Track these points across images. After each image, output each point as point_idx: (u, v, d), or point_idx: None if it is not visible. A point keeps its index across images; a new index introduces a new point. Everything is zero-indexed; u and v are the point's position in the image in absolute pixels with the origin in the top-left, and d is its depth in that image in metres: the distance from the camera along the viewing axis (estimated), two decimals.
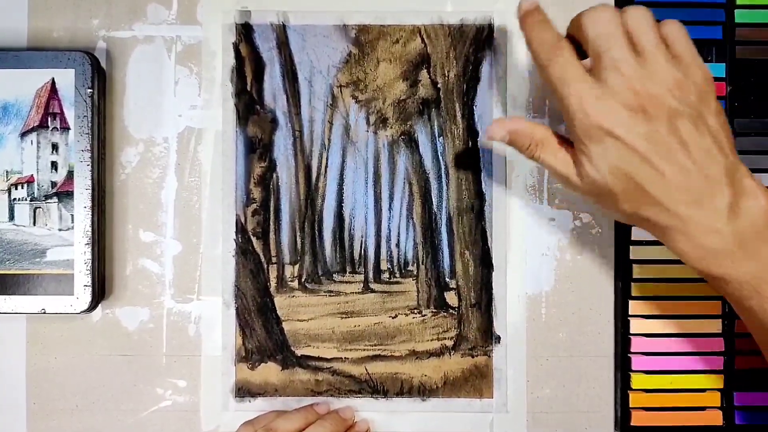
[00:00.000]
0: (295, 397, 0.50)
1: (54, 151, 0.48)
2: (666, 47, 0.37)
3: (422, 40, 0.50)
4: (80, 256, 0.47)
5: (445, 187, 0.50)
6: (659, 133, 0.35)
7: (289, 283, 0.50)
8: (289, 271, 0.50)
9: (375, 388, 0.50)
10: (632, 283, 0.49)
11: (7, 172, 0.48)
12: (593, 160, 0.37)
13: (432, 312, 0.50)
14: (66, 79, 0.47)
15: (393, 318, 0.50)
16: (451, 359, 0.50)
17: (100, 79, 0.49)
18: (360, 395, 0.50)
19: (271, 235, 0.50)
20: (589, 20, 0.38)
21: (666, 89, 0.36)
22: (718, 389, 0.49)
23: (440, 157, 0.50)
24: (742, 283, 0.36)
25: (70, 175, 0.48)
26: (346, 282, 0.51)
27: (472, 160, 0.50)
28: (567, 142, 0.40)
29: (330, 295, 0.50)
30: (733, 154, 0.37)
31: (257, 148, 0.50)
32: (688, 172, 0.35)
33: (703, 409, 0.49)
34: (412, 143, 0.51)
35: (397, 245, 0.51)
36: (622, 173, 0.36)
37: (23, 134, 0.48)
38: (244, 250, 0.50)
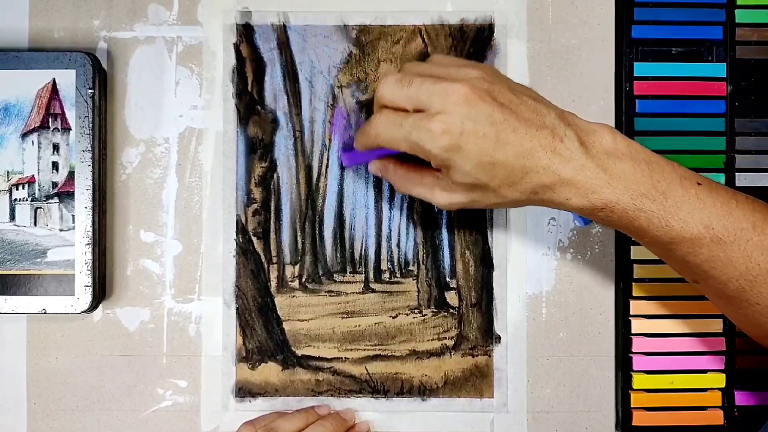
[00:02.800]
0: (296, 397, 0.50)
1: (55, 152, 0.48)
2: (444, 64, 0.41)
3: (423, 40, 0.50)
4: (81, 256, 0.47)
5: None
6: (493, 113, 0.38)
7: (290, 283, 0.50)
8: (290, 271, 0.51)
9: (375, 388, 0.50)
10: (633, 283, 0.49)
11: (8, 172, 0.48)
12: (461, 167, 0.39)
13: (432, 312, 0.50)
14: (67, 79, 0.47)
15: (393, 318, 0.50)
16: (452, 359, 0.50)
17: (101, 79, 0.49)
18: (360, 395, 0.50)
19: (272, 235, 0.50)
20: (381, 90, 0.41)
21: (471, 80, 0.39)
22: (719, 389, 0.49)
23: None
24: (622, 203, 0.38)
25: (71, 175, 0.48)
26: (347, 282, 0.51)
27: None
28: (417, 169, 0.43)
29: (330, 295, 0.51)
30: (552, 103, 0.41)
31: (258, 149, 0.50)
32: (532, 132, 0.38)
33: (704, 408, 0.49)
34: None
35: (398, 245, 0.51)
36: (488, 165, 0.39)
37: (24, 135, 0.48)
38: (244, 250, 0.50)
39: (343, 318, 0.50)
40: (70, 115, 0.47)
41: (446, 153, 0.38)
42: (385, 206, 0.51)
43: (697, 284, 0.42)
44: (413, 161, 0.42)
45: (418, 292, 0.50)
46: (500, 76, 0.41)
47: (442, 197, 0.42)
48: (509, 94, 0.39)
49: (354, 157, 0.48)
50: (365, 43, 0.50)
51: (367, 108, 0.50)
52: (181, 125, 0.50)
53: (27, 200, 0.48)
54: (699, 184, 0.39)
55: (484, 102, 0.38)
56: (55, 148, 0.48)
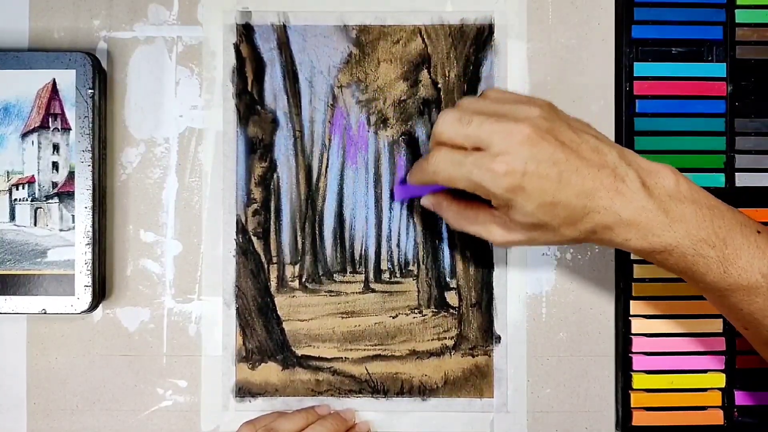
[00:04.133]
0: (296, 397, 0.50)
1: (55, 152, 0.48)
2: (503, 102, 0.40)
3: (423, 40, 0.50)
4: (81, 256, 0.47)
5: None
6: (556, 153, 0.38)
7: (290, 283, 0.50)
8: (290, 271, 0.51)
9: (375, 388, 0.50)
10: (633, 283, 0.49)
11: (8, 172, 0.48)
12: (522, 207, 0.39)
13: (432, 312, 0.50)
14: (67, 79, 0.47)
15: (393, 318, 0.50)
16: (452, 359, 0.50)
17: (101, 79, 0.49)
18: (360, 395, 0.50)
19: (272, 235, 0.50)
20: (439, 126, 0.40)
21: (532, 119, 0.38)
22: (719, 389, 0.49)
23: None
24: (682, 247, 0.38)
25: (71, 175, 0.48)
26: (347, 282, 0.51)
27: None
28: (472, 205, 0.43)
29: (330, 295, 0.51)
30: (612, 141, 0.40)
31: (258, 149, 0.50)
32: (594, 172, 0.38)
33: (704, 408, 0.49)
34: (412, 143, 0.51)
35: (398, 245, 0.51)
36: (549, 204, 0.38)
37: (24, 135, 0.48)
38: (244, 250, 0.50)
39: (343, 318, 0.50)
40: (70, 115, 0.47)
41: (508, 193, 0.38)
42: (385, 206, 0.51)
43: (746, 331, 0.42)
44: (466, 197, 0.42)
45: (418, 292, 0.50)
46: (559, 113, 0.40)
47: (500, 235, 0.42)
48: (570, 132, 0.39)
49: (406, 190, 0.48)
50: (365, 43, 0.50)
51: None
52: (181, 125, 0.50)
53: (27, 200, 0.48)
54: (759, 232, 0.39)
55: (547, 142, 0.38)
56: (55, 148, 0.48)
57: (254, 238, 0.50)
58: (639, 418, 0.49)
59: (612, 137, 0.50)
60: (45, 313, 0.47)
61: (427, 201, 0.45)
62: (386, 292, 0.50)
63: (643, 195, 0.38)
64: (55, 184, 0.48)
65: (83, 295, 0.47)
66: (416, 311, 0.50)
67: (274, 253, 0.50)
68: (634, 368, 0.49)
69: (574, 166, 0.38)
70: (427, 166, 0.41)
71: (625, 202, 0.38)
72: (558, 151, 0.38)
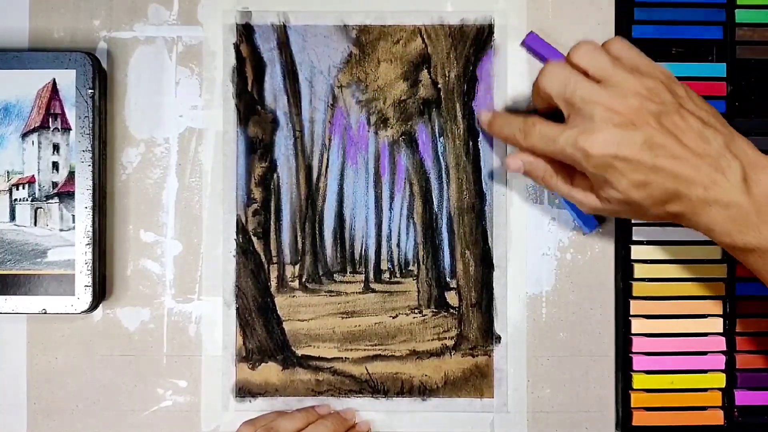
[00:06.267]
0: (296, 397, 0.50)
1: (55, 152, 0.48)
2: (621, 64, 0.40)
3: (423, 40, 0.50)
4: (81, 256, 0.47)
5: (445, 187, 0.50)
6: (654, 137, 0.37)
7: (290, 283, 0.50)
8: (290, 271, 0.51)
9: (375, 388, 0.50)
10: (633, 283, 0.49)
11: (8, 172, 0.48)
12: (613, 185, 0.39)
13: (432, 312, 0.50)
14: (67, 79, 0.47)
15: (393, 318, 0.50)
16: (452, 359, 0.50)
17: (101, 79, 0.49)
18: (360, 395, 0.50)
19: (272, 235, 0.50)
20: (544, 81, 0.40)
21: (640, 98, 0.38)
22: (719, 389, 0.49)
23: (441, 157, 0.50)
24: (765, 250, 0.38)
25: (71, 175, 0.48)
26: (347, 282, 0.51)
27: (472, 160, 0.50)
28: (567, 168, 0.43)
29: (330, 295, 0.51)
30: (724, 126, 0.39)
31: (258, 149, 0.50)
32: (693, 160, 0.37)
33: (704, 408, 0.49)
34: (412, 143, 0.51)
35: (398, 245, 0.51)
36: (641, 184, 0.38)
37: (24, 135, 0.48)
38: (244, 250, 0.50)
39: (343, 318, 0.50)
40: (70, 115, 0.48)
41: (600, 171, 0.38)
42: (385, 206, 0.51)
43: None
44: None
45: (418, 292, 0.50)
46: (675, 88, 0.39)
47: (592, 201, 0.42)
48: (676, 116, 0.38)
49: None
50: (365, 43, 0.50)
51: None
52: (181, 125, 0.50)
53: (27, 200, 0.48)
54: None
55: (647, 125, 0.37)
56: (55, 148, 0.48)
57: (254, 238, 0.50)
58: (639, 418, 0.49)
59: None
60: (45, 313, 0.47)
61: (515, 163, 0.44)
62: (386, 292, 0.50)
63: (739, 190, 0.37)
64: (55, 184, 0.48)
65: (83, 295, 0.47)
66: (416, 311, 0.50)
67: (274, 253, 0.50)
68: (634, 368, 0.49)
69: (671, 153, 0.37)
70: (520, 135, 0.41)
71: (718, 194, 0.37)
72: (657, 136, 0.37)
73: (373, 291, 0.51)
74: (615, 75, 0.39)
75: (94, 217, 0.48)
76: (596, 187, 0.41)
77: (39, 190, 0.48)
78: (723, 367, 0.49)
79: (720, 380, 0.49)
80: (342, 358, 0.50)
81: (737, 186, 0.37)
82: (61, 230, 0.48)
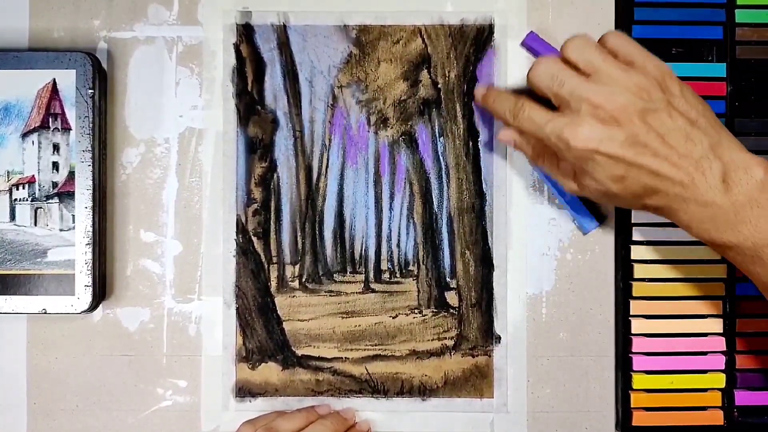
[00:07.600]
0: (296, 397, 0.50)
1: (55, 152, 0.48)
2: (615, 57, 0.40)
3: (423, 40, 0.50)
4: (81, 256, 0.47)
5: (445, 187, 0.50)
6: (637, 135, 0.38)
7: (290, 283, 0.50)
8: (290, 271, 0.51)
9: (375, 388, 0.50)
10: (633, 283, 0.49)
11: (8, 172, 0.48)
12: (592, 176, 0.40)
13: (432, 312, 0.50)
14: (67, 79, 0.47)
15: (393, 318, 0.50)
16: (452, 359, 0.50)
17: (101, 79, 0.49)
18: (360, 395, 0.50)
19: (272, 235, 0.50)
20: (534, 75, 0.41)
21: (628, 94, 0.38)
22: (719, 389, 0.49)
23: (441, 157, 0.51)
24: (744, 248, 0.38)
25: (71, 175, 0.48)
26: (347, 282, 0.51)
27: (472, 160, 0.50)
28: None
29: (331, 295, 0.51)
30: (714, 126, 0.39)
31: (258, 149, 0.50)
32: (675, 159, 0.38)
33: (704, 408, 0.49)
34: (412, 143, 0.51)
35: (398, 245, 0.51)
36: (619, 178, 0.39)
37: (24, 135, 0.48)
38: (244, 250, 0.50)
39: (343, 318, 0.50)
40: (70, 115, 0.48)
41: (580, 163, 0.39)
42: (385, 206, 0.51)
43: None
44: None
45: (418, 292, 0.50)
46: (668, 84, 0.39)
47: (573, 187, 0.43)
48: (663, 114, 0.38)
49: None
50: (365, 43, 0.50)
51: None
52: (181, 125, 0.50)
53: (27, 200, 0.48)
54: None
55: (630, 123, 0.38)
56: (55, 148, 0.48)
57: (254, 238, 0.50)
58: (639, 418, 0.49)
59: None
60: (45, 312, 0.47)
61: (507, 136, 0.45)
62: (386, 292, 0.50)
63: (717, 191, 0.37)
64: (55, 184, 0.48)
65: (83, 295, 0.47)
66: (416, 311, 0.50)
67: (274, 253, 0.50)
68: (634, 368, 0.49)
69: (652, 151, 0.38)
70: (510, 116, 0.42)
71: (697, 194, 0.38)
72: (641, 134, 0.38)
73: (373, 291, 0.51)
74: (604, 70, 0.39)
75: (94, 217, 0.48)
76: (578, 174, 0.42)
77: (39, 190, 0.48)
78: (723, 368, 0.49)
79: (720, 380, 0.49)
80: (342, 358, 0.50)
81: (716, 186, 0.37)
82: (61, 230, 0.48)
